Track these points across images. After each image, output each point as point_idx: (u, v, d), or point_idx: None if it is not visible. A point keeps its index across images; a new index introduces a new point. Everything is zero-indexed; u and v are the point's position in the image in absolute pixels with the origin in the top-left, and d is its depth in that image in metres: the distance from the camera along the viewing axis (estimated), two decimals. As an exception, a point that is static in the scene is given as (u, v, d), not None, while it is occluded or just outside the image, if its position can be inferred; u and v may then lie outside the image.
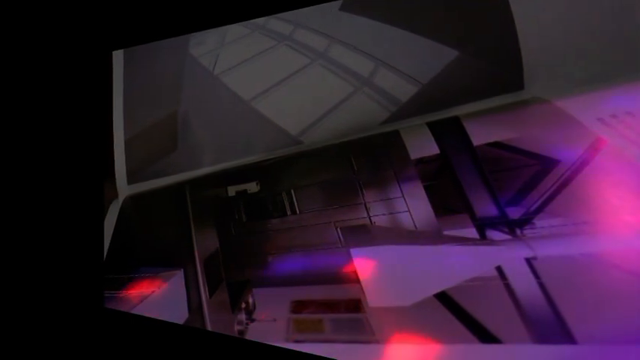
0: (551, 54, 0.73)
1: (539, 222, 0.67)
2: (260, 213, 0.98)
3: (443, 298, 0.71)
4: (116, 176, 1.28)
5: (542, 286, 0.64)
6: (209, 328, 0.98)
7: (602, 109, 0.67)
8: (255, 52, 1.09)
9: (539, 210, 0.68)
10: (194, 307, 1.02)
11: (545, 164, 0.69)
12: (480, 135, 0.75)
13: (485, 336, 0.67)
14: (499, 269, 0.68)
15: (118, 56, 1.36)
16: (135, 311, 1.12)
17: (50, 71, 1.37)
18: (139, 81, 1.30)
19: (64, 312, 1.24)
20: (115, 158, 1.29)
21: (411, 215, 0.78)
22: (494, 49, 0.77)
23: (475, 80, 0.78)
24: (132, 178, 1.25)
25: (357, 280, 0.80)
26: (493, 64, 0.77)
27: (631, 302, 0.59)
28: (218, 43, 1.17)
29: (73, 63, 1.38)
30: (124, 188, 1.26)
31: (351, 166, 0.88)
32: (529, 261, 0.66)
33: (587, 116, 0.68)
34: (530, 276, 0.65)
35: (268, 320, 0.90)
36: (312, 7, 1.01)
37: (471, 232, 0.72)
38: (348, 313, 0.80)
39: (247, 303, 0.94)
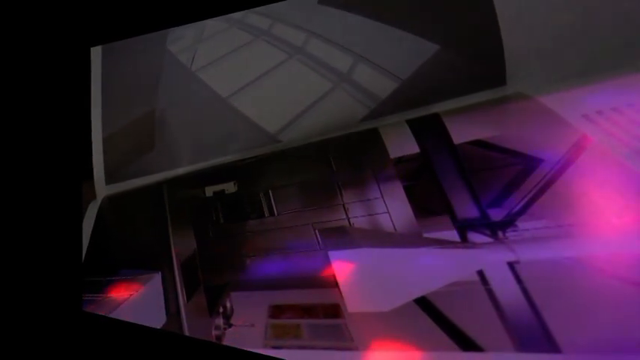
0: (534, 48, 0.69)
1: (522, 224, 0.63)
2: (237, 214, 0.93)
3: (423, 303, 0.67)
4: (94, 176, 1.22)
5: (525, 291, 0.60)
6: (187, 332, 0.93)
7: (587, 105, 0.62)
8: (234, 48, 1.03)
9: (522, 211, 0.63)
10: (172, 311, 0.97)
11: (528, 163, 0.64)
12: (460, 133, 0.70)
13: (466, 343, 0.63)
14: (480, 273, 0.64)
15: (96, 53, 1.30)
16: (113, 315, 1.07)
17: (28, 68, 1.31)
18: (117, 78, 1.24)
19: (42, 315, 1.19)
20: (94, 158, 1.23)
21: (390, 217, 0.74)
22: (475, 43, 0.73)
23: (456, 76, 0.73)
24: (110, 178, 1.20)
25: (336, 284, 0.75)
26: (474, 58, 0.72)
27: (617, 309, 0.55)
28: (196, 39, 1.11)
29: (51, 60, 1.31)
30: (102, 188, 1.20)
31: (330, 165, 0.83)
32: (511, 265, 0.62)
33: (572, 113, 0.63)
34: (513, 281, 0.61)
35: (246, 325, 0.85)
36: (290, 1, 0.96)
37: (452, 235, 0.67)
38: (327, 319, 0.76)
39: (225, 307, 0.89)
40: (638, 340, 0.53)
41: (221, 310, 0.89)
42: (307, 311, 0.78)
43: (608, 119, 0.61)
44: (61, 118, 1.29)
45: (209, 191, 0.98)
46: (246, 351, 0.83)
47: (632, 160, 0.58)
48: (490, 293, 0.62)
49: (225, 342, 0.87)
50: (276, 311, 0.82)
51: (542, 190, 0.62)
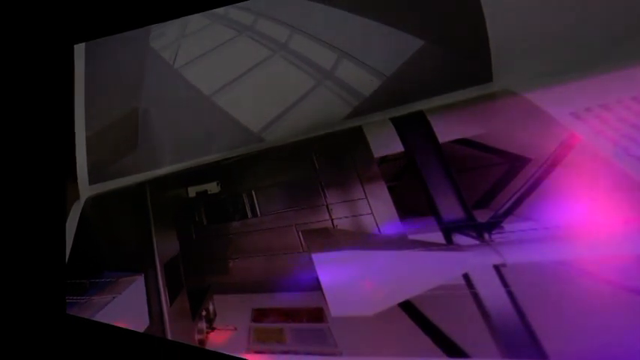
0: (521, 43, 0.65)
1: (509, 226, 0.60)
2: (220, 215, 0.89)
3: (407, 307, 0.64)
4: (78, 176, 1.17)
5: (511, 295, 0.57)
6: (169, 336, 0.89)
7: (576, 103, 0.59)
8: (216, 44, 0.99)
9: (508, 212, 0.60)
10: (155, 314, 0.93)
11: (515, 163, 0.61)
12: (446, 131, 0.66)
13: (451, 349, 0.60)
14: (466, 277, 0.60)
15: (79, 50, 1.25)
16: (96, 318, 1.03)
17: (10, 66, 1.25)
18: (100, 76, 1.19)
19: (25, 317, 1.15)
20: (77, 157, 1.19)
21: (374, 218, 0.70)
22: (461, 38, 0.69)
23: (441, 72, 0.69)
24: (93, 178, 1.15)
25: (319, 288, 0.72)
26: (460, 54, 0.68)
27: (606, 314, 0.52)
28: (179, 35, 1.07)
29: (33, 57, 1.26)
30: (85, 189, 1.16)
31: (313, 165, 0.79)
32: (498, 268, 0.59)
33: (560, 110, 0.60)
34: (499, 285, 0.58)
35: (229, 329, 0.81)
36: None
37: (437, 237, 0.64)
38: (310, 323, 0.72)
39: (208, 310, 0.85)
40: (629, 347, 0.50)
41: (204, 313, 0.86)
42: (290, 315, 0.75)
43: (597, 116, 0.58)
44: (44, 116, 1.24)
45: (192, 192, 0.95)
46: (229, 355, 0.80)
47: (621, 159, 0.55)
48: (476, 297, 0.59)
49: (208, 346, 0.83)
50: (259, 315, 0.79)
51: (529, 191, 0.59)
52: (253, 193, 0.86)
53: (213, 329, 0.84)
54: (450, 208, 0.64)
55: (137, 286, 0.98)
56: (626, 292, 0.52)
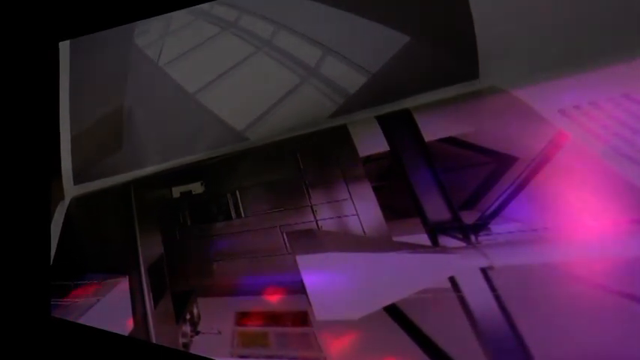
0: (508, 40, 0.62)
1: (496, 227, 0.57)
2: (204, 216, 0.86)
3: (393, 311, 0.61)
4: (63, 176, 1.14)
5: (498, 299, 0.54)
6: (154, 340, 0.86)
7: (564, 100, 0.57)
8: (200, 41, 0.96)
9: (495, 214, 0.57)
10: (139, 317, 0.90)
11: (502, 162, 0.58)
12: (432, 130, 0.64)
13: (437, 354, 0.57)
14: (452, 280, 0.58)
15: (64, 47, 1.21)
16: (80, 320, 1.00)
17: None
18: (85, 74, 1.15)
19: (8, 319, 1.11)
20: (62, 157, 1.15)
21: (359, 219, 0.67)
22: (447, 33, 0.66)
23: (427, 69, 0.66)
24: (78, 177, 1.12)
25: (304, 291, 0.69)
26: (446, 51, 0.65)
27: (596, 319, 0.49)
28: (163, 32, 1.03)
29: (18, 55, 1.22)
30: (70, 189, 1.12)
31: (297, 164, 0.76)
32: (484, 271, 0.56)
33: (548, 107, 0.57)
34: (486, 288, 0.55)
35: (213, 332, 0.78)
36: (258, -9, 0.89)
37: (423, 239, 0.61)
38: (294, 327, 0.70)
39: (192, 314, 0.82)
40: (617, 350, 0.48)
41: (188, 316, 0.83)
42: (275, 319, 0.72)
43: (586, 114, 0.55)
44: (28, 115, 1.20)
45: (176, 192, 0.91)
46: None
47: (610, 158, 0.53)
48: (462, 301, 0.57)
49: (192, 350, 0.81)
50: (243, 318, 0.76)
51: (516, 191, 0.56)
52: (237, 193, 0.83)
53: (197, 333, 0.81)
54: (436, 209, 0.61)
55: (121, 289, 0.95)
56: (616, 295, 0.49)
